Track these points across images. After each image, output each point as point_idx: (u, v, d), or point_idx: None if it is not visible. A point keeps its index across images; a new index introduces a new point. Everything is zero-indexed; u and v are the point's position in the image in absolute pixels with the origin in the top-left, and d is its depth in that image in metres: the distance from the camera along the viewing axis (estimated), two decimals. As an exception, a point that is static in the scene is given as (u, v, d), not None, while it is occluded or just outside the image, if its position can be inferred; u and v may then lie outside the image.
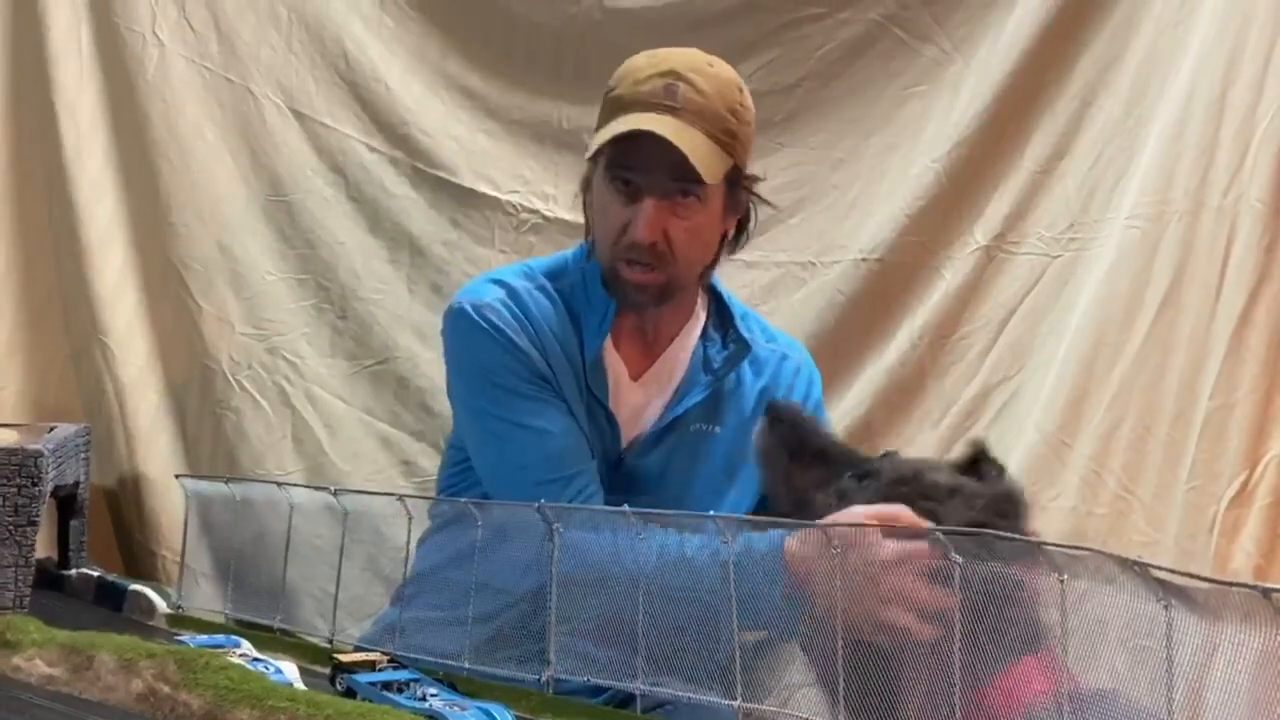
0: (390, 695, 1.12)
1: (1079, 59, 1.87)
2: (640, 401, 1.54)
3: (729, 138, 1.45)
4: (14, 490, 1.46)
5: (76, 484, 1.76)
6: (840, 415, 1.95)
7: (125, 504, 2.08)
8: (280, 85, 2.13)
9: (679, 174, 1.42)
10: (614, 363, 1.54)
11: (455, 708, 1.09)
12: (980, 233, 1.92)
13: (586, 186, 1.55)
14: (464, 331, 1.50)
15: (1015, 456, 1.80)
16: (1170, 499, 1.65)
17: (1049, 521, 1.72)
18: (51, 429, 1.77)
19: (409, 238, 2.11)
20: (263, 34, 2.13)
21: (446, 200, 2.11)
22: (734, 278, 2.04)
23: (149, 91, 2.10)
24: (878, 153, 2.01)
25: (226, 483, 1.60)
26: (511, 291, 1.51)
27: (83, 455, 1.80)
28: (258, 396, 2.10)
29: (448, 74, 2.13)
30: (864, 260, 1.96)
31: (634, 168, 1.45)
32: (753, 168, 2.01)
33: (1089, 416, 1.72)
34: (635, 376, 1.55)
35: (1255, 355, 1.61)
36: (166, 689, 1.09)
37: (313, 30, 2.13)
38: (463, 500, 1.29)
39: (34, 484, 1.47)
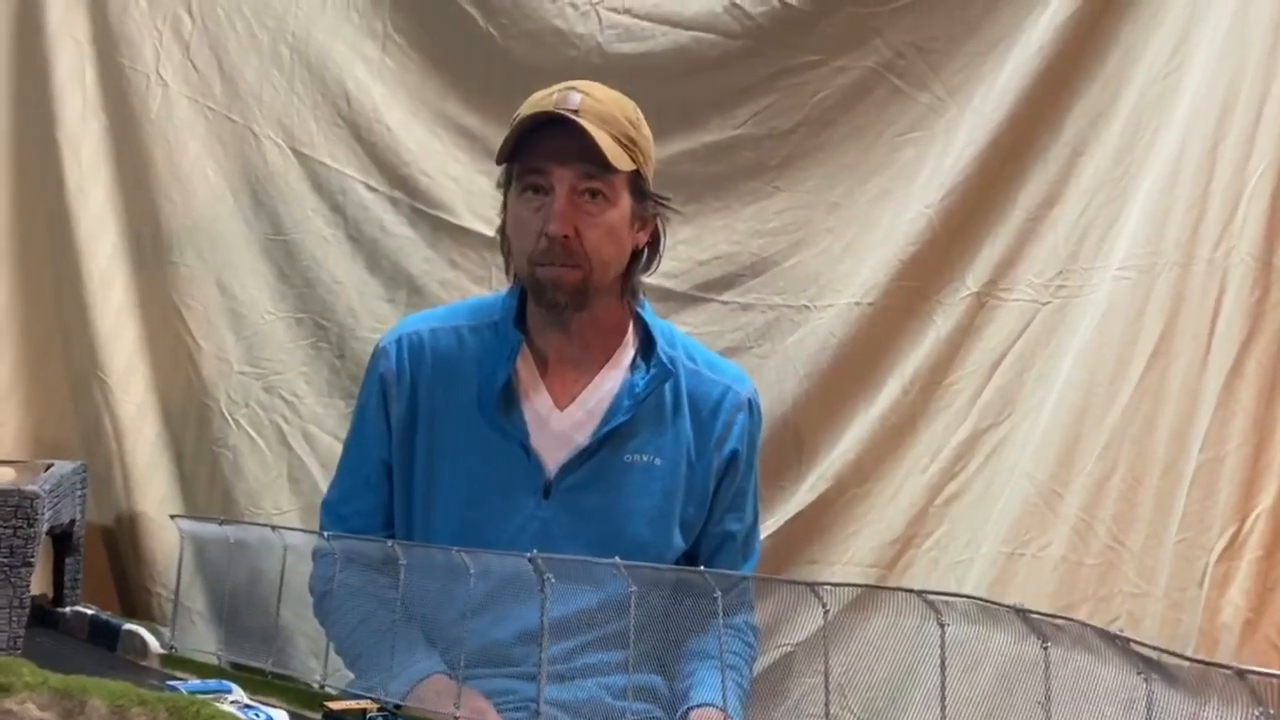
0: (379, 748, 1.12)
1: (1071, 108, 1.89)
2: (567, 429, 1.58)
3: (630, 142, 1.55)
4: (9, 531, 1.47)
5: (72, 522, 1.77)
6: (831, 460, 1.96)
7: (121, 541, 2.08)
8: (282, 125, 2.14)
9: (585, 165, 1.51)
10: (535, 395, 1.59)
11: (444, 761, 1.10)
12: (972, 279, 1.93)
13: (502, 230, 1.63)
14: (365, 369, 1.68)
15: (1005, 504, 1.81)
16: (1160, 551, 1.65)
17: (1039, 571, 1.73)
18: (49, 467, 1.78)
19: (407, 277, 2.12)
20: (265, 74, 2.14)
21: (444, 240, 2.12)
22: (728, 320, 2.06)
23: (152, 130, 2.12)
24: (872, 198, 2.02)
25: (220, 524, 1.61)
26: (413, 336, 1.63)
27: (79, 493, 1.81)
28: (255, 435, 2.10)
29: (447, 115, 2.15)
30: (857, 304, 1.98)
31: (541, 168, 1.54)
32: (747, 211, 2.07)
33: (1080, 466, 1.73)
34: (563, 406, 1.59)
35: (1245, 409, 1.62)
36: (157, 738, 1.10)
37: (315, 71, 2.15)
38: (455, 549, 1.30)
39: (30, 525, 1.48)
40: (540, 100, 1.55)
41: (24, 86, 2.11)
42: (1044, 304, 1.88)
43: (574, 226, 1.53)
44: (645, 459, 1.57)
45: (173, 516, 1.72)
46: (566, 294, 1.55)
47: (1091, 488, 1.72)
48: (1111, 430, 1.72)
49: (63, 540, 1.77)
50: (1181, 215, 1.72)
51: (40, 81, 2.09)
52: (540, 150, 1.54)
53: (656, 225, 1.63)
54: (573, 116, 1.51)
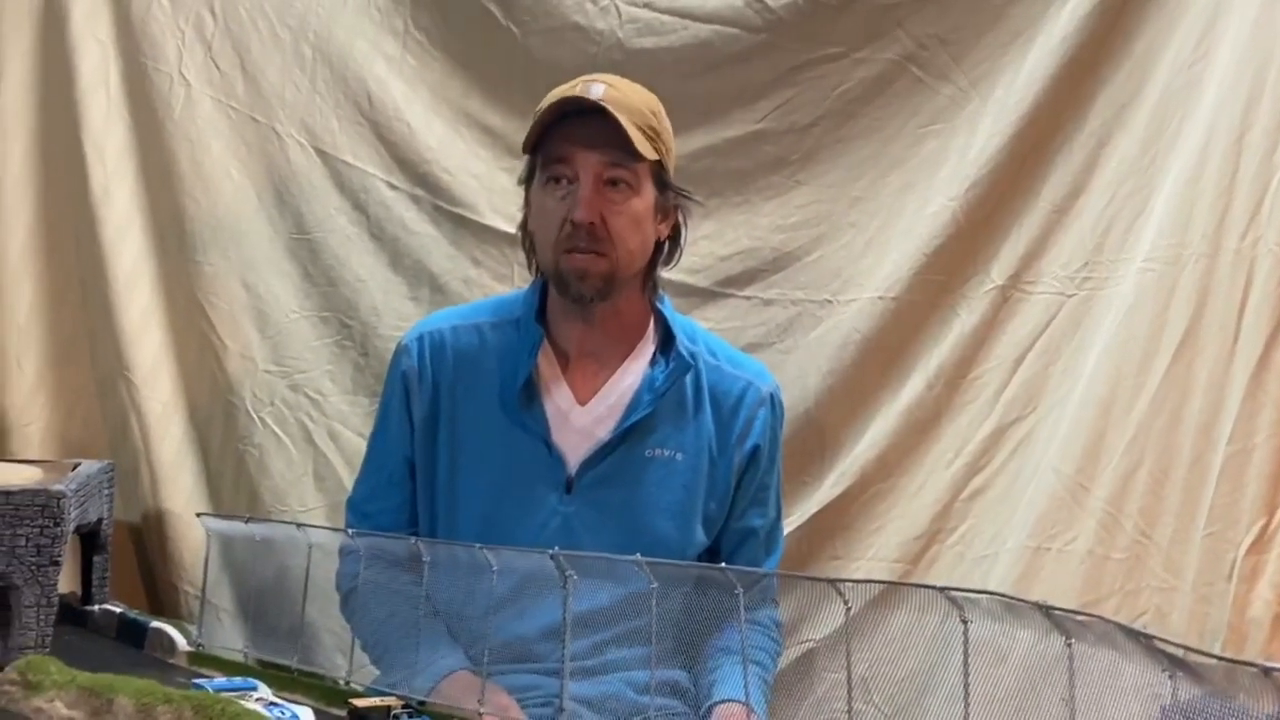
0: (403, 745, 1.13)
1: (1095, 98, 1.88)
2: (588, 424, 1.58)
3: (653, 133, 1.54)
4: (36, 530, 1.48)
5: (100, 521, 1.78)
6: (855, 455, 1.95)
7: (149, 539, 2.10)
8: (304, 124, 2.15)
9: (611, 151, 1.51)
10: (556, 390, 1.59)
11: (467, 758, 1.10)
12: (996, 272, 1.92)
13: (524, 225, 1.63)
14: (389, 366, 1.68)
15: (1031, 499, 1.80)
16: (1188, 544, 1.64)
17: (1065, 565, 1.72)
18: (75, 466, 1.79)
19: (429, 275, 2.13)
20: (287, 74, 2.15)
21: (467, 237, 2.13)
22: (750, 315, 2.05)
23: (175, 131, 2.13)
24: (895, 191, 2.01)
25: (246, 522, 1.62)
26: (434, 334, 1.63)
27: (106, 492, 1.83)
28: (280, 433, 2.11)
29: (469, 113, 2.15)
30: (880, 299, 1.97)
31: (566, 156, 1.53)
32: (769, 206, 2.06)
33: (1106, 459, 1.71)
34: (584, 401, 1.59)
35: (1273, 400, 1.61)
36: (184, 736, 1.11)
37: (336, 70, 2.15)
38: (478, 546, 1.30)
39: (56, 524, 1.49)
40: (563, 92, 1.55)
41: (49, 89, 2.13)
42: (1069, 296, 1.87)
43: (600, 214, 1.52)
44: (666, 454, 1.57)
45: (199, 514, 1.73)
46: (593, 284, 1.54)
47: (1118, 481, 1.70)
48: (1138, 423, 1.70)
49: (90, 539, 1.79)
50: (1208, 206, 1.70)
51: (65, 84, 2.11)
52: (565, 139, 1.53)
53: (678, 218, 1.62)
54: (598, 104, 1.51)
